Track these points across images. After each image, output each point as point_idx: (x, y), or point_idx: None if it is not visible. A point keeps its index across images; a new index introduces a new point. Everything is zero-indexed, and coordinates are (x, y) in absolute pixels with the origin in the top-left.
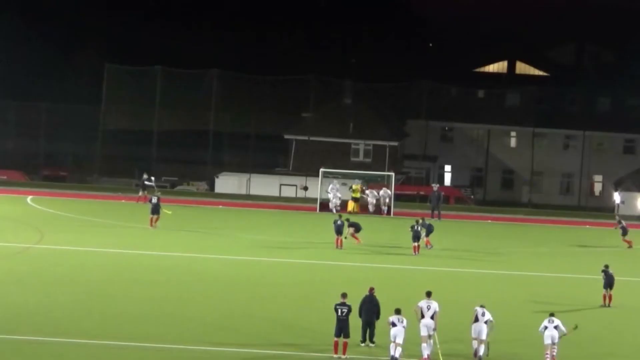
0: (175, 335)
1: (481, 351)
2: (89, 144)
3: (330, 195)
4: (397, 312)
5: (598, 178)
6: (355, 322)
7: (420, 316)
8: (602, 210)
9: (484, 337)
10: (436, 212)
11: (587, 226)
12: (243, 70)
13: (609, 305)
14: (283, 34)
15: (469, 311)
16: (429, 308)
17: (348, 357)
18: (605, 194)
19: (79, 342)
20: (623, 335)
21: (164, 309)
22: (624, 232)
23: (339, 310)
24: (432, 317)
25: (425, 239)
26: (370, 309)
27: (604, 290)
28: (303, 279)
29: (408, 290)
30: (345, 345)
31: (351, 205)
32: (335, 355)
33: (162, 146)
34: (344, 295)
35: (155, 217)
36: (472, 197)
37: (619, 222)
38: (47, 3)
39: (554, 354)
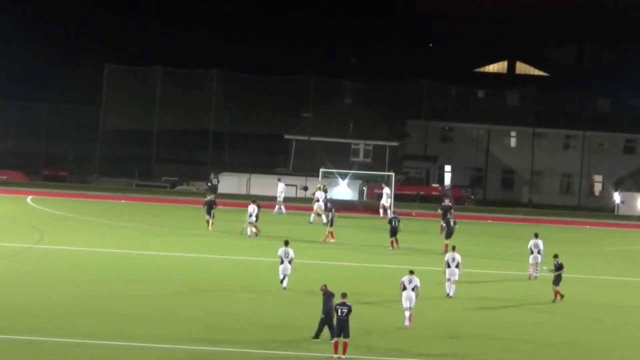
0: (175, 335)
1: (452, 291)
2: (89, 144)
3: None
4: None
5: (598, 178)
6: (353, 322)
7: (402, 288)
8: (602, 210)
9: (456, 277)
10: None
11: (587, 226)
12: (243, 70)
13: (554, 301)
14: (283, 34)
15: (467, 310)
16: (410, 282)
17: (348, 357)
18: (605, 194)
19: (79, 342)
20: (626, 335)
21: (164, 309)
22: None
23: (339, 310)
24: (412, 290)
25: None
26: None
27: (554, 287)
28: (303, 278)
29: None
30: (345, 345)
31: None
32: (335, 355)
33: (162, 146)
34: (343, 295)
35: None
36: (472, 197)
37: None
38: (48, 3)
39: (538, 269)
